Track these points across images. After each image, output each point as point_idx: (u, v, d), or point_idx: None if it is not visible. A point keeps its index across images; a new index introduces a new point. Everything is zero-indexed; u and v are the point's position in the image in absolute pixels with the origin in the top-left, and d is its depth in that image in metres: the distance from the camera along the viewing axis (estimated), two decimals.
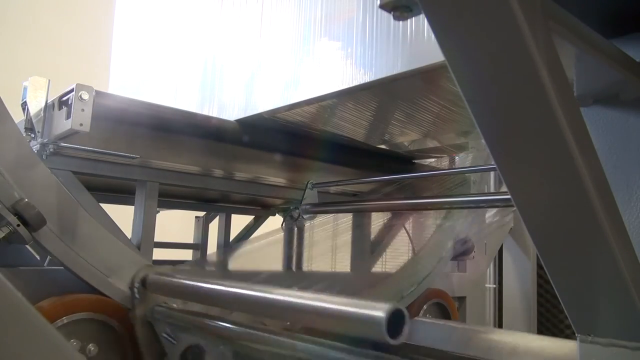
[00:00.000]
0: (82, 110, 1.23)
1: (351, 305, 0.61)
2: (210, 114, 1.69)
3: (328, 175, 1.93)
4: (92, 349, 1.21)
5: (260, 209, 2.31)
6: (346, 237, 2.35)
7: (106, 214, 1.40)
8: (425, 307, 1.94)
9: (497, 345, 1.25)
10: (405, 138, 1.82)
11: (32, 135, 1.32)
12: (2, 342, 0.37)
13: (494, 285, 2.74)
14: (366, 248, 2.17)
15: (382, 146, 1.93)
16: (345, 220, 2.38)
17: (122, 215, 1.55)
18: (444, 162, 2.15)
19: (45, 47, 3.34)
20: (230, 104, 1.65)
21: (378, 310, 0.56)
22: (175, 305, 1.24)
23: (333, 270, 2.73)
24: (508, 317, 2.74)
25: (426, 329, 1.54)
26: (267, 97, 1.51)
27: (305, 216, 2.00)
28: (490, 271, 2.71)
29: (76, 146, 1.31)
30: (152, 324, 1.23)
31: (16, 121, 1.18)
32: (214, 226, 2.34)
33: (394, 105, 1.47)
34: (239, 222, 2.38)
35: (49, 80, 1.34)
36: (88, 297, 1.23)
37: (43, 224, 1.12)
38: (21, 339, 0.38)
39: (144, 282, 1.26)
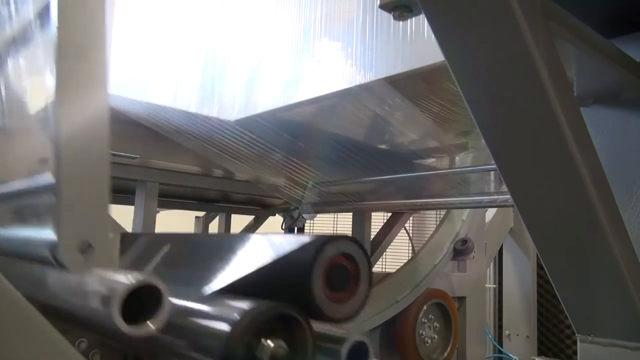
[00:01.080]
0: None
1: None
2: (210, 114, 1.69)
3: (328, 175, 1.93)
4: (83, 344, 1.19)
5: (260, 209, 2.31)
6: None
7: None
8: (425, 307, 1.94)
9: None
10: (406, 138, 1.82)
11: None
12: (2, 342, 0.37)
13: (494, 285, 2.75)
14: (366, 248, 2.17)
15: (382, 146, 1.93)
16: (346, 219, 2.38)
17: (123, 216, 1.55)
18: (444, 162, 2.15)
19: None
20: (230, 104, 1.64)
21: None
22: None
23: None
24: (508, 317, 2.74)
25: None
26: (267, 97, 1.51)
27: (305, 216, 2.00)
28: (490, 271, 2.71)
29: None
30: None
31: None
32: (214, 226, 2.34)
33: (394, 106, 1.47)
34: (239, 222, 2.38)
35: None
36: None
37: None
38: (21, 339, 0.38)
39: None
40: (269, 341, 0.41)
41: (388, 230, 2.30)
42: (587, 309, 0.73)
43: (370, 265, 0.51)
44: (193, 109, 1.74)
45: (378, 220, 2.40)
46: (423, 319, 1.93)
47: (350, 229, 2.27)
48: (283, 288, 0.47)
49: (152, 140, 1.50)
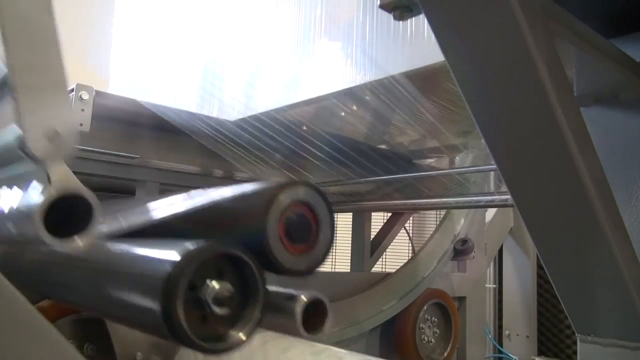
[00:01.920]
0: (82, 110, 1.23)
1: None
2: (210, 114, 1.69)
3: (328, 175, 1.93)
4: (90, 348, 1.20)
5: None
6: (346, 237, 2.35)
7: None
8: (425, 307, 1.93)
9: None
10: (405, 138, 1.82)
11: None
12: (2, 342, 0.37)
13: (494, 285, 2.74)
14: (366, 248, 2.17)
15: (382, 146, 1.93)
16: (346, 220, 2.38)
17: None
18: (444, 162, 2.15)
19: None
20: (230, 104, 1.64)
21: None
22: None
23: (333, 270, 2.72)
24: (508, 317, 2.74)
25: None
26: (267, 97, 1.51)
27: None
28: (490, 271, 2.71)
29: (76, 146, 1.31)
30: None
31: None
32: None
33: (394, 106, 1.47)
34: None
35: None
36: None
37: None
38: (21, 339, 0.38)
39: None
40: (214, 282, 0.39)
41: (388, 230, 2.30)
42: (587, 309, 0.73)
43: (333, 214, 0.45)
44: (193, 109, 1.75)
45: (378, 220, 2.40)
46: (423, 319, 1.93)
47: (351, 229, 2.27)
48: (235, 237, 0.43)
49: (152, 140, 1.50)
